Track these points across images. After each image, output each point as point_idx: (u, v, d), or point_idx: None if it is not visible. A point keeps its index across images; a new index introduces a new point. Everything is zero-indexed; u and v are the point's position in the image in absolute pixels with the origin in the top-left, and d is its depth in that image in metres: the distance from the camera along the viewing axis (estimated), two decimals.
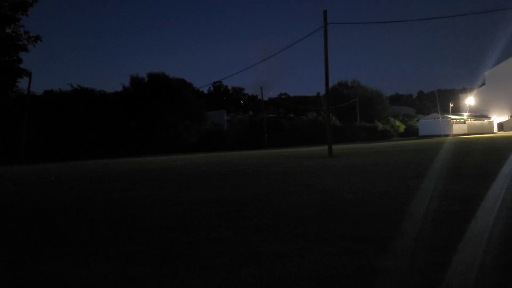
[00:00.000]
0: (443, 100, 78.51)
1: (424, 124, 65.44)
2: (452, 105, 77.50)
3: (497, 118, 74.39)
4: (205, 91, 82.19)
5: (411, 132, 71.18)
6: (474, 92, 79.97)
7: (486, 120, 72.69)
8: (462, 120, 66.01)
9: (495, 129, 72.14)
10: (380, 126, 67.55)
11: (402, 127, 72.47)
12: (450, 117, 64.11)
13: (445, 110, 71.86)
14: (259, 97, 62.87)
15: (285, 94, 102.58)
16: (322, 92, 78.30)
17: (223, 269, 3.33)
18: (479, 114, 74.34)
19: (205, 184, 10.10)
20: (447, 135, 57.69)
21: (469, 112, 74.77)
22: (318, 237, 4.21)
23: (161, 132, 44.46)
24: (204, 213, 5.95)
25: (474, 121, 69.05)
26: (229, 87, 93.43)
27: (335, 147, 26.69)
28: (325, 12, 22.06)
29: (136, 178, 13.26)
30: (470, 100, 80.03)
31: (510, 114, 73.76)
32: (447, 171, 10.05)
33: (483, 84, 79.09)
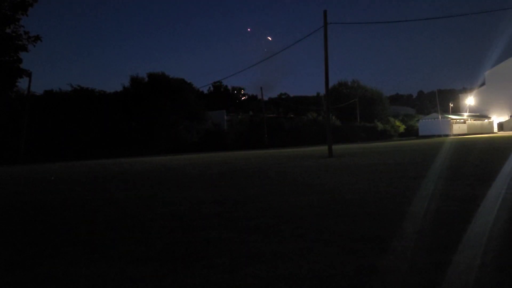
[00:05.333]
0: (443, 100, 78.54)
1: (424, 124, 65.45)
2: (452, 105, 77.51)
3: (497, 118, 74.36)
4: (205, 91, 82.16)
5: (411, 132, 71.16)
6: (474, 92, 79.88)
7: (486, 120, 72.68)
8: (462, 120, 66.01)
9: (495, 129, 72.14)
10: (380, 126, 67.54)
11: (402, 127, 72.45)
12: (450, 117, 64.12)
13: (445, 110, 71.90)
14: (259, 97, 62.91)
15: (285, 94, 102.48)
16: (322, 92, 78.28)
17: (223, 269, 3.33)
18: (479, 114, 74.32)
19: (205, 184, 10.10)
20: (447, 135, 57.66)
21: (469, 112, 74.74)
22: (318, 237, 4.21)
23: (161, 132, 44.46)
24: (204, 213, 5.95)
25: (474, 121, 69.04)
26: (229, 87, 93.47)
27: (335, 147, 26.69)
28: (325, 12, 22.08)
29: (136, 178, 13.26)
30: (470, 100, 79.98)
31: (510, 114, 73.73)
32: (447, 171, 10.04)
33: (483, 84, 79.02)
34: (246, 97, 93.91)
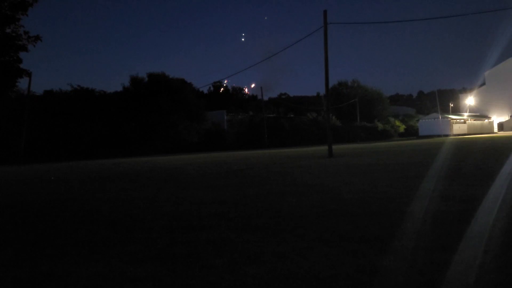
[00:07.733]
0: (443, 100, 78.45)
1: (424, 124, 65.43)
2: (452, 105, 77.46)
3: (497, 118, 74.33)
4: (205, 91, 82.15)
5: (411, 132, 71.15)
6: (474, 92, 79.86)
7: (486, 120, 72.65)
8: (462, 120, 65.97)
9: (495, 129, 72.09)
10: (380, 126, 67.54)
11: (402, 127, 72.45)
12: (450, 117, 64.07)
13: (445, 110, 71.84)
14: (259, 97, 62.91)
15: (285, 94, 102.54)
16: (322, 92, 78.29)
17: (223, 269, 3.33)
18: (479, 114, 74.29)
19: (205, 184, 10.10)
20: (447, 135, 57.63)
21: (469, 112, 74.69)
22: (318, 237, 4.21)
23: (161, 132, 44.45)
24: (204, 213, 5.95)
25: (474, 121, 69.01)
26: (229, 87, 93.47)
27: (335, 147, 26.69)
28: (325, 12, 22.07)
29: (136, 178, 13.27)
30: (470, 100, 79.95)
31: (510, 114, 73.69)
32: (447, 171, 10.04)
33: (483, 84, 78.99)
34: (247, 96, 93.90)
